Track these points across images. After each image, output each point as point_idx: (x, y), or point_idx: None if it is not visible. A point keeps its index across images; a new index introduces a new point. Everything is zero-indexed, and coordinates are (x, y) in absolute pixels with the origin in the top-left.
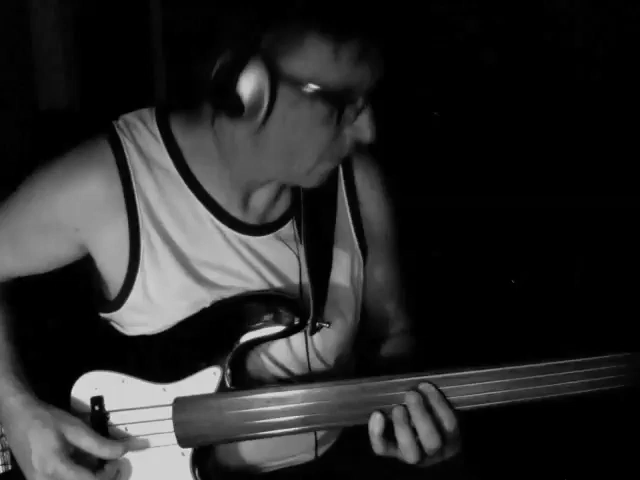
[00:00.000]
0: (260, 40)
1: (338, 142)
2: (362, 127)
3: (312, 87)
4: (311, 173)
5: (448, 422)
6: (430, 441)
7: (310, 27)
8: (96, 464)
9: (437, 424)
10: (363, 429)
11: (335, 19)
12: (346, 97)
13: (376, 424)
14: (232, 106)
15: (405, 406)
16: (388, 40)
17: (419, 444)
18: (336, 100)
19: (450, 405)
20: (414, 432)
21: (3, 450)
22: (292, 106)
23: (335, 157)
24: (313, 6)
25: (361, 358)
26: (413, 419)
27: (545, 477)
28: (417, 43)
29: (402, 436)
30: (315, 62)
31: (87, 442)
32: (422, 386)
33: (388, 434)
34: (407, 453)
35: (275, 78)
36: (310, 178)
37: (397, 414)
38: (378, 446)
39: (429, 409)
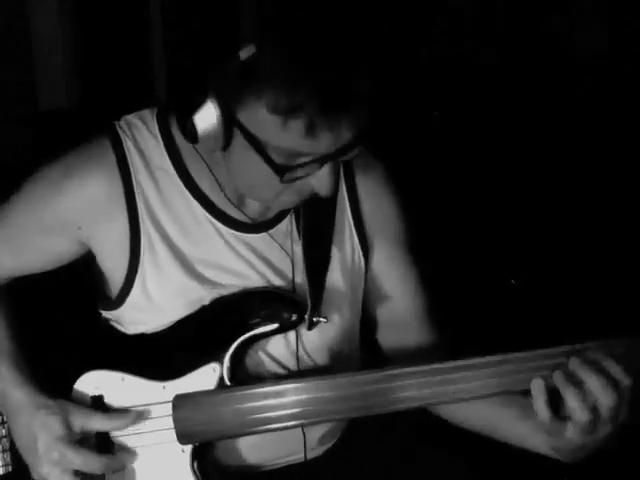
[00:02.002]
0: (222, 85)
1: (295, 187)
2: (318, 181)
3: (260, 145)
4: (275, 203)
5: (619, 374)
6: (605, 395)
7: (260, 100)
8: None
9: (608, 377)
10: (364, 426)
11: (281, 98)
12: (294, 162)
13: (538, 388)
14: (188, 134)
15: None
16: (340, 119)
17: (591, 402)
18: (279, 167)
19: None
20: (583, 390)
21: (4, 451)
22: (246, 150)
23: (295, 197)
24: (262, 83)
25: (367, 355)
26: (582, 376)
27: (545, 477)
28: (379, 122)
29: (570, 396)
30: (265, 126)
31: (97, 420)
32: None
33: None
34: (578, 413)
35: (230, 123)
36: (277, 205)
37: (559, 376)
38: (543, 411)
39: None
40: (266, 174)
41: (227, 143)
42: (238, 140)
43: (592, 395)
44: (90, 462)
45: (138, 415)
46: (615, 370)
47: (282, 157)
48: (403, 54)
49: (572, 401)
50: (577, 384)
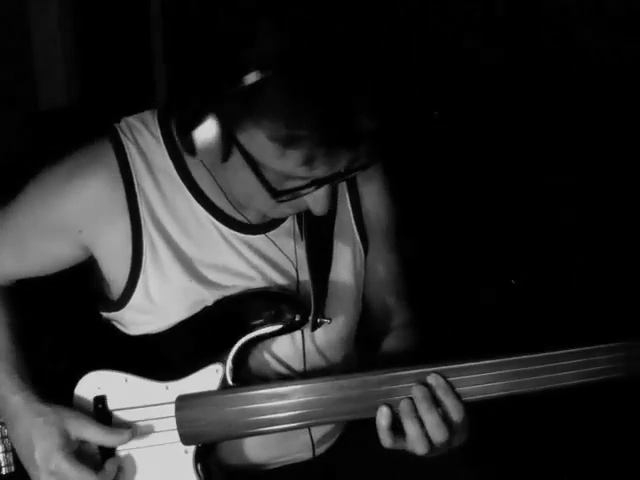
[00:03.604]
0: (224, 102)
1: (290, 203)
2: (313, 201)
3: (257, 167)
4: (272, 212)
5: (456, 413)
6: (437, 433)
7: (260, 127)
8: (99, 463)
9: (444, 415)
10: (365, 425)
11: (283, 129)
12: (289, 185)
13: (383, 417)
14: (187, 147)
15: (412, 398)
16: (339, 150)
17: (427, 435)
18: (276, 187)
19: (458, 396)
20: (422, 424)
21: (6, 452)
22: (242, 167)
23: (291, 210)
24: (264, 112)
25: (363, 352)
26: (420, 412)
27: (545, 477)
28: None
29: (410, 428)
30: (263, 152)
31: (92, 432)
32: (430, 378)
33: (396, 426)
34: (415, 445)
35: (229, 141)
36: (273, 214)
37: (404, 407)
38: (386, 439)
39: (436, 401)
40: (261, 191)
41: (225, 159)
42: (236, 156)
43: (427, 429)
44: (83, 478)
45: (136, 433)
46: (450, 404)
47: (278, 178)
48: (405, 67)
49: (410, 432)
50: (418, 416)
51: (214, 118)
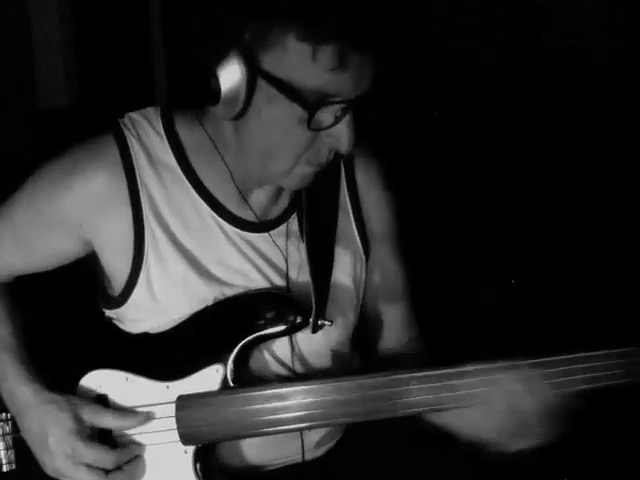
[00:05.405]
0: (242, 33)
1: (315, 147)
2: (339, 137)
3: (288, 86)
4: (290, 174)
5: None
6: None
7: (290, 29)
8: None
9: None
10: (364, 428)
11: (314, 23)
12: (320, 101)
13: None
14: (208, 94)
15: None
16: (368, 51)
17: None
18: (309, 102)
19: None
20: None
21: (8, 449)
22: (269, 102)
23: (313, 162)
24: (294, 9)
25: (364, 357)
26: None
27: (545, 477)
28: (405, 60)
29: None
30: (293, 62)
31: (107, 418)
32: None
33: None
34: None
35: (253, 72)
36: (290, 179)
37: None
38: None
39: None
40: (290, 126)
41: (249, 97)
42: (260, 96)
43: None
44: (101, 457)
45: (145, 415)
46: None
47: (309, 97)
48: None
49: None
50: None
51: (235, 52)
